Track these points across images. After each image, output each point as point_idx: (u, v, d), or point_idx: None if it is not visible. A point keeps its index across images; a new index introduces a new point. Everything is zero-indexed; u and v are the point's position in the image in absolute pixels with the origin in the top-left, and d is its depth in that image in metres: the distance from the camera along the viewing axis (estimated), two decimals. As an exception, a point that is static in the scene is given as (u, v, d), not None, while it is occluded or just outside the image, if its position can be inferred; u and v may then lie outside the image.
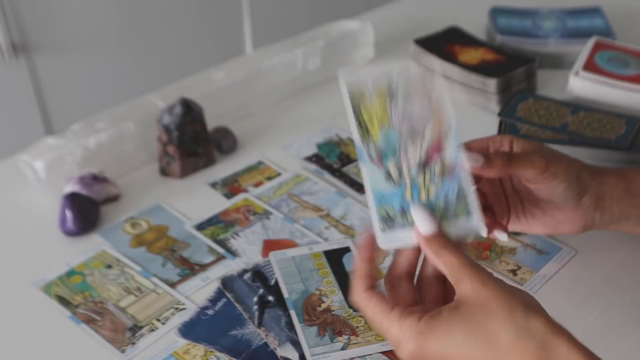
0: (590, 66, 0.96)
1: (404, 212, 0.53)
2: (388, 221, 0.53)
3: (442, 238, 0.53)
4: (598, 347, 0.64)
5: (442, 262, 0.52)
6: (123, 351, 0.65)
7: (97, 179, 0.81)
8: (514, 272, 0.71)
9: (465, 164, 0.55)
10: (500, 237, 0.65)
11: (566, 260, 0.72)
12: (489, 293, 0.50)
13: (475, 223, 0.54)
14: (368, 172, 0.54)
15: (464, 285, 0.51)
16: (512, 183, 0.68)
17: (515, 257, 0.73)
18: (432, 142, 0.55)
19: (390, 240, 0.53)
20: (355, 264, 0.56)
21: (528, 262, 0.72)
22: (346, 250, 0.74)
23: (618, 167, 0.73)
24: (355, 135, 0.55)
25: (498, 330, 0.49)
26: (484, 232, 0.54)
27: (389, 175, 0.54)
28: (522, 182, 0.65)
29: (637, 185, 0.66)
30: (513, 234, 0.75)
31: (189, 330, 0.66)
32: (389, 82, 0.57)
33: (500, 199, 0.67)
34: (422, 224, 0.53)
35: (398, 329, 0.52)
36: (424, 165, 0.55)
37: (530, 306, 0.51)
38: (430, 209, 0.54)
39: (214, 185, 0.85)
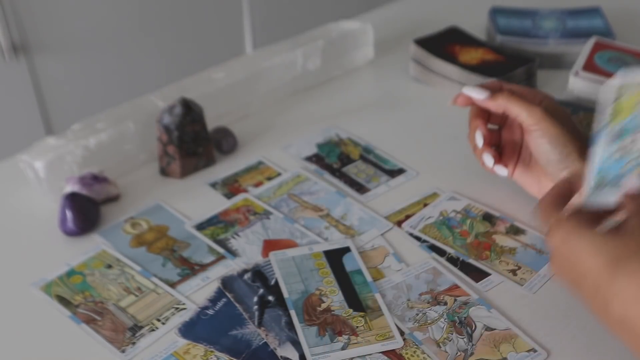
0: (590, 66, 0.96)
1: (615, 182, 0.57)
2: (599, 186, 0.57)
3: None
4: (598, 347, 0.64)
5: (631, 202, 0.55)
6: (123, 351, 0.65)
7: (97, 179, 0.81)
8: (513, 272, 0.71)
9: None
10: (500, 171, 0.76)
11: (566, 260, 0.72)
12: None
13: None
14: (598, 146, 0.57)
15: (636, 220, 0.53)
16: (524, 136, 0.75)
17: (515, 257, 0.73)
18: None
19: (594, 202, 0.57)
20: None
21: (528, 262, 0.72)
22: (346, 250, 0.74)
23: None
24: (608, 109, 0.57)
25: (634, 252, 0.52)
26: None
27: (620, 146, 0.56)
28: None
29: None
30: (513, 234, 0.75)
31: (189, 330, 0.66)
32: None
33: (514, 146, 0.76)
34: (632, 183, 0.56)
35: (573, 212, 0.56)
36: None
37: None
38: None
39: (214, 185, 0.85)
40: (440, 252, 0.74)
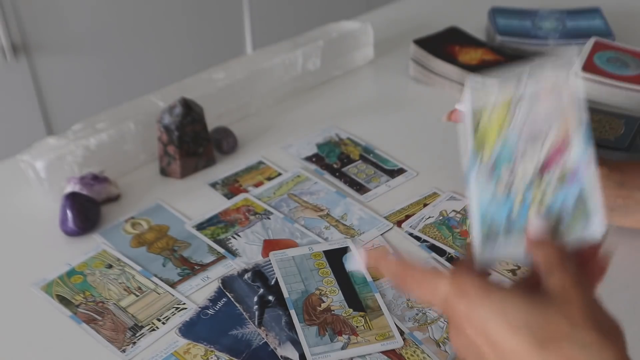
0: (589, 67, 0.96)
1: (508, 230, 0.49)
2: (490, 240, 0.49)
3: (549, 238, 0.48)
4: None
5: (541, 253, 0.47)
6: (124, 351, 0.65)
7: (97, 179, 0.81)
8: (513, 272, 0.71)
9: (586, 167, 0.49)
10: None
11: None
12: (578, 297, 0.44)
13: (596, 225, 0.48)
14: (474, 186, 0.49)
15: (555, 279, 0.45)
16: None
17: (515, 257, 0.73)
18: (555, 143, 0.50)
19: (488, 259, 0.49)
20: (382, 272, 0.52)
21: (528, 262, 0.72)
22: (346, 250, 0.74)
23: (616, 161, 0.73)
24: (470, 146, 0.50)
25: (566, 334, 0.43)
26: (600, 233, 0.48)
27: (499, 182, 0.49)
28: None
29: (629, 177, 0.68)
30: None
31: (190, 330, 0.66)
32: (517, 84, 0.51)
33: None
34: (534, 227, 0.48)
35: (448, 283, 0.47)
36: (542, 170, 0.49)
37: (609, 336, 0.44)
38: (546, 216, 0.49)
39: (214, 185, 0.85)
40: (440, 252, 0.74)
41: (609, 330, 0.44)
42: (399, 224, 0.78)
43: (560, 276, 0.45)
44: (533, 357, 0.43)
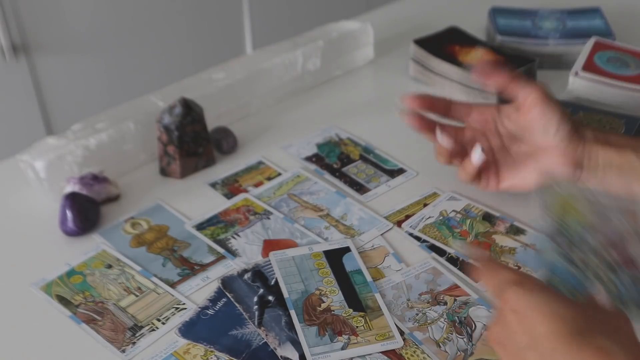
0: (589, 66, 0.96)
1: (573, 289, 0.53)
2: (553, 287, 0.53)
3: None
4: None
5: None
6: (123, 351, 0.65)
7: (97, 179, 0.81)
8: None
9: None
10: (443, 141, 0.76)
11: (566, 260, 0.72)
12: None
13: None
14: (547, 246, 0.54)
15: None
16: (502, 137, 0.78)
17: (515, 257, 0.73)
18: (628, 257, 0.53)
19: None
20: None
21: (528, 262, 0.72)
22: (346, 250, 0.74)
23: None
24: (549, 222, 0.55)
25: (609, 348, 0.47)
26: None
27: (570, 260, 0.53)
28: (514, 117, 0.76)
29: (613, 138, 0.73)
30: (513, 234, 0.75)
31: (189, 330, 0.66)
32: (596, 196, 0.56)
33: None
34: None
35: (524, 274, 0.53)
36: (613, 268, 0.53)
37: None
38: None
39: (214, 185, 0.85)
40: (440, 252, 0.74)
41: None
42: (399, 224, 0.78)
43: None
44: (564, 342, 0.47)
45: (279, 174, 0.86)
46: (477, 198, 0.80)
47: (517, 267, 0.72)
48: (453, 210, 0.79)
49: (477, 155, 0.75)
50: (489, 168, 0.77)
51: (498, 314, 0.52)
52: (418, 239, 0.76)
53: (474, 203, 0.80)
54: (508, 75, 0.74)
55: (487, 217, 0.78)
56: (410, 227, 0.77)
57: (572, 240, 0.54)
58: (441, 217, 0.78)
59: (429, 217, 0.78)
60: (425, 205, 0.80)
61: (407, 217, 0.79)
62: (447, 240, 0.75)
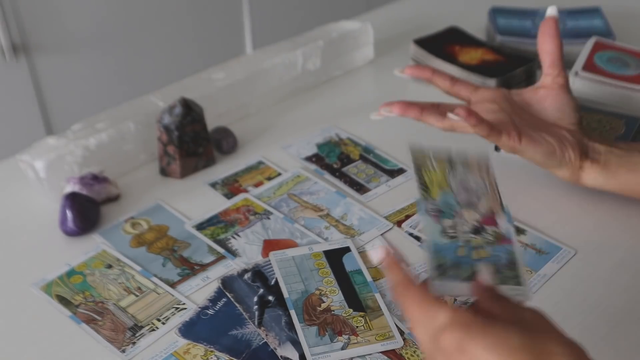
0: (589, 66, 0.96)
1: (457, 266, 0.55)
2: (441, 270, 0.54)
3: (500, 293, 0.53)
4: (598, 346, 0.64)
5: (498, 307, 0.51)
6: (123, 351, 0.65)
7: (97, 179, 0.81)
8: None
9: (515, 241, 0.58)
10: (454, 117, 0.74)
11: (566, 260, 0.72)
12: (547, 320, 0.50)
13: (523, 293, 0.55)
14: (426, 224, 0.58)
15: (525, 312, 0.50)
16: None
17: (515, 257, 0.73)
18: (485, 214, 0.59)
19: (441, 288, 0.54)
20: (387, 275, 0.56)
21: (528, 262, 0.72)
22: (346, 250, 0.74)
23: None
24: (418, 194, 0.60)
25: (556, 351, 0.46)
26: (528, 299, 0.55)
27: (444, 231, 0.57)
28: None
29: (620, 144, 0.76)
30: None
31: (189, 330, 0.66)
32: (449, 155, 0.64)
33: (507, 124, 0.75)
34: (488, 277, 0.54)
35: (451, 314, 0.48)
36: (478, 231, 0.58)
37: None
38: (486, 265, 0.56)
39: (214, 185, 0.85)
40: (440, 252, 0.74)
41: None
42: (399, 224, 0.78)
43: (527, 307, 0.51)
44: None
45: (279, 174, 0.86)
46: None
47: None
48: (453, 210, 0.79)
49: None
50: (508, 126, 0.74)
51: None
52: (418, 239, 0.76)
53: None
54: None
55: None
56: (410, 227, 0.77)
57: (440, 208, 0.58)
58: (441, 217, 0.78)
59: (429, 217, 0.78)
60: (425, 205, 0.80)
61: (407, 217, 0.79)
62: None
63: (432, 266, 0.54)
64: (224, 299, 0.69)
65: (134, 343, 0.65)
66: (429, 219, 0.58)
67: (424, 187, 0.60)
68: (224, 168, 0.88)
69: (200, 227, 0.78)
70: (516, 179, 0.82)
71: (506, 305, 0.51)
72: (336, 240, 0.76)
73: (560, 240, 0.74)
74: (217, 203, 0.82)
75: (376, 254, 0.54)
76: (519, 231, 0.76)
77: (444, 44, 1.05)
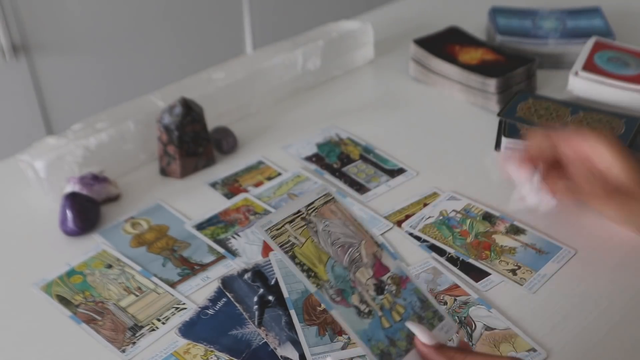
0: (589, 66, 0.96)
1: (393, 341, 0.55)
2: (386, 356, 0.54)
3: (442, 344, 0.55)
4: (598, 347, 0.64)
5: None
6: (123, 351, 0.65)
7: (97, 179, 0.81)
8: (513, 271, 0.71)
9: (411, 276, 0.58)
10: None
11: (566, 260, 0.72)
12: None
13: (450, 326, 0.57)
14: (340, 314, 0.54)
15: None
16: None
17: (515, 256, 0.73)
18: (373, 264, 0.58)
19: None
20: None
21: (528, 262, 0.72)
22: (346, 250, 0.74)
23: None
24: (310, 286, 0.55)
25: None
26: (454, 331, 0.57)
27: (359, 312, 0.55)
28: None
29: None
30: (512, 234, 0.75)
31: (189, 330, 0.66)
32: (299, 213, 0.58)
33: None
34: (423, 335, 0.55)
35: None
36: (380, 288, 0.57)
37: None
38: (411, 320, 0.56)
39: (214, 185, 0.85)
40: (440, 252, 0.74)
41: None
42: (399, 223, 0.78)
43: None
44: None
45: (279, 174, 0.86)
46: (476, 198, 0.80)
47: (517, 267, 0.71)
48: (453, 210, 0.79)
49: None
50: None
51: None
52: (418, 238, 0.76)
53: (473, 203, 0.80)
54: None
55: (487, 217, 0.78)
56: (410, 227, 0.77)
57: (338, 287, 0.55)
58: (441, 217, 0.78)
59: (429, 217, 0.78)
60: (425, 205, 0.80)
61: (407, 217, 0.79)
62: (447, 240, 0.75)
63: (376, 358, 0.53)
64: (224, 299, 0.69)
65: (134, 343, 0.65)
66: (339, 307, 0.54)
67: (310, 272, 0.55)
68: (224, 168, 0.88)
69: (200, 227, 0.78)
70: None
71: None
72: (336, 240, 0.76)
73: (561, 240, 0.74)
74: (217, 203, 0.82)
75: None
76: (519, 231, 0.76)
77: (444, 44, 1.05)
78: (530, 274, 0.71)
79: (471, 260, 0.72)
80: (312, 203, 0.59)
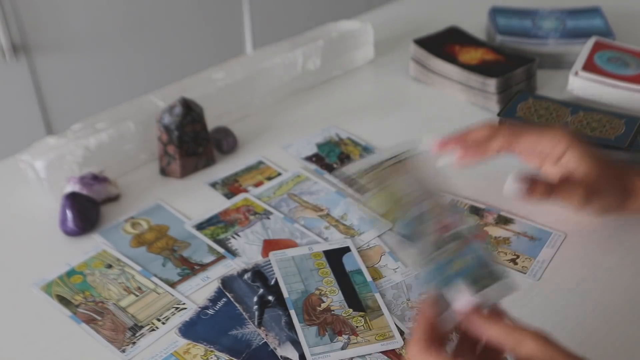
0: (589, 66, 0.96)
1: (446, 282, 0.54)
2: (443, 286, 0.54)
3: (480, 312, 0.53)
4: (598, 346, 0.64)
5: (495, 331, 0.52)
6: (123, 351, 0.65)
7: (97, 179, 0.81)
8: (514, 261, 0.72)
9: (475, 237, 0.57)
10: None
11: (559, 244, 0.73)
12: (556, 347, 0.50)
13: (508, 286, 0.54)
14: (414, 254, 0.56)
15: (527, 345, 0.50)
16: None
17: (511, 246, 0.73)
18: (438, 221, 0.58)
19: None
20: (418, 321, 0.55)
21: (524, 250, 0.73)
22: (346, 250, 0.74)
23: None
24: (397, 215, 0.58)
25: None
26: (508, 292, 0.55)
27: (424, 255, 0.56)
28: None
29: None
30: (502, 224, 0.76)
31: (189, 330, 0.66)
32: (379, 167, 0.62)
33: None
34: (462, 300, 0.53)
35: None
36: (442, 244, 0.57)
37: None
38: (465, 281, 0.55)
39: (214, 185, 0.85)
40: (440, 252, 0.74)
41: None
42: (399, 223, 0.78)
43: (529, 340, 0.51)
44: None
45: (279, 174, 0.86)
46: (458, 192, 0.80)
47: (516, 256, 0.72)
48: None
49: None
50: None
51: None
52: (418, 238, 0.76)
53: (457, 198, 0.80)
54: (544, 190, 0.70)
55: (474, 210, 0.78)
56: (410, 227, 0.77)
57: (409, 228, 0.57)
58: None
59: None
60: (425, 205, 0.80)
61: (407, 217, 0.79)
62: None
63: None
64: (224, 299, 0.69)
65: (134, 343, 0.66)
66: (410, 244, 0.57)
67: (392, 209, 0.58)
68: (224, 168, 0.88)
69: (200, 227, 0.78)
70: (498, 169, 0.80)
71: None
72: (336, 240, 0.76)
73: (549, 225, 0.76)
74: (217, 203, 0.82)
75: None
76: (508, 220, 0.76)
77: (444, 44, 1.05)
78: (530, 261, 0.72)
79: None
80: (391, 158, 0.62)
